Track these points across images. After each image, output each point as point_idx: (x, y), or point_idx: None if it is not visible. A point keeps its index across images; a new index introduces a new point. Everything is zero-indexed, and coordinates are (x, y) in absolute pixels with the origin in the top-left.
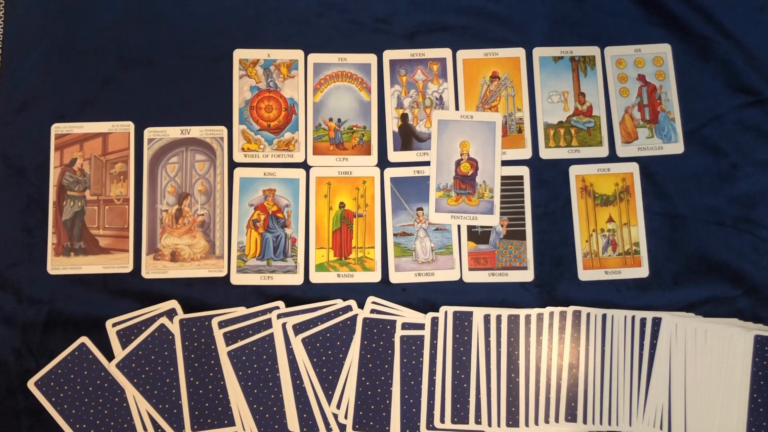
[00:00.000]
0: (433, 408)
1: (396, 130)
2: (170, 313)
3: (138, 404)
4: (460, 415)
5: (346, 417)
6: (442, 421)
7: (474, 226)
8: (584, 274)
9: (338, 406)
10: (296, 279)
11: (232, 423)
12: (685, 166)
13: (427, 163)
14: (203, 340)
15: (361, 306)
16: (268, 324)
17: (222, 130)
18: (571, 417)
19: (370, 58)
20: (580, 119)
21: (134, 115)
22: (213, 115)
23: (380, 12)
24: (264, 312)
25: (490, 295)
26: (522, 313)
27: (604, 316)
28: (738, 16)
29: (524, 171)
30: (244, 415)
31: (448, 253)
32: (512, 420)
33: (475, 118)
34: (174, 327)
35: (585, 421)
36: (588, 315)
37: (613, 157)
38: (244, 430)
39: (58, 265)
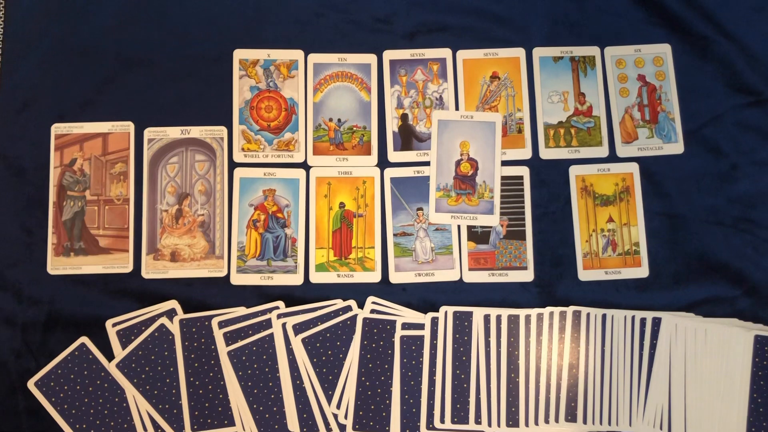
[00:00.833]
0: (433, 408)
1: (396, 130)
2: (170, 313)
3: (138, 404)
4: (460, 415)
5: (346, 417)
6: (442, 421)
7: (474, 226)
8: (584, 274)
9: (338, 406)
10: (296, 279)
11: (232, 423)
12: (685, 166)
13: (427, 163)
14: (203, 340)
15: (361, 306)
16: (268, 324)
17: (222, 130)
18: (571, 417)
19: (370, 58)
20: (580, 119)
21: (134, 115)
22: (213, 115)
23: (380, 12)
24: (264, 312)
25: (490, 295)
26: (522, 313)
27: (604, 316)
28: (738, 16)
29: (524, 171)
30: (244, 415)
31: (448, 253)
32: (512, 420)
33: (475, 118)
34: (174, 327)
35: (585, 421)
36: (588, 315)
37: (613, 157)
38: (244, 430)
39: (58, 265)
